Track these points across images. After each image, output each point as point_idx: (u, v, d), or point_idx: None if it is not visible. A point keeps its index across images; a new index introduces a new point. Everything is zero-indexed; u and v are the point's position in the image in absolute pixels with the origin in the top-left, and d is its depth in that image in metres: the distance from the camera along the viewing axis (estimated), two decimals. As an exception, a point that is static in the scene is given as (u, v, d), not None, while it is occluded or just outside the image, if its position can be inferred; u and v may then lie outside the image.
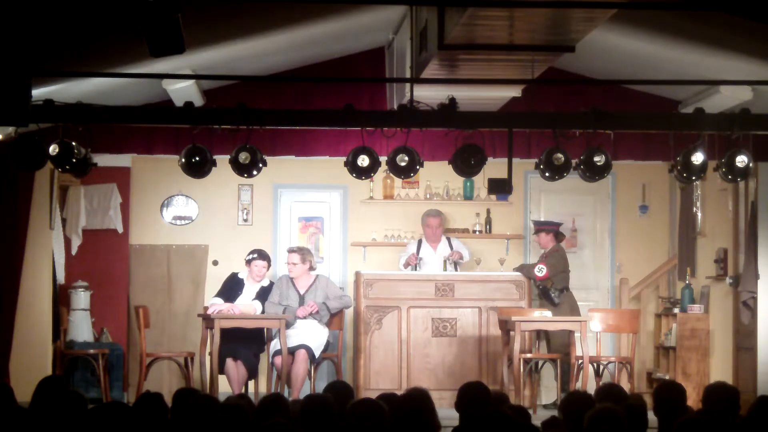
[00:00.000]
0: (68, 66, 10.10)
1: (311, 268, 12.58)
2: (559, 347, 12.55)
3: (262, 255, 12.56)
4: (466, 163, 10.39)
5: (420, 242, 13.61)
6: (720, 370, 13.40)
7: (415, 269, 13.28)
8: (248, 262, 12.57)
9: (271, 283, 12.62)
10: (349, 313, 13.31)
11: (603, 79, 12.61)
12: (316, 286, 12.56)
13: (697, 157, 10.35)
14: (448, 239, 13.63)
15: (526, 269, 12.89)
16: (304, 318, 12.39)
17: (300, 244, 13.51)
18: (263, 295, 12.48)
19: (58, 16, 8.37)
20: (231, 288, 12.55)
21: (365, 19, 11.31)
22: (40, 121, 9.98)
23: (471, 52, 9.86)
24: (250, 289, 12.53)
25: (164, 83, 11.34)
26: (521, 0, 8.54)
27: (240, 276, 12.62)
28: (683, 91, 12.41)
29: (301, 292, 12.52)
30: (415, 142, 10.56)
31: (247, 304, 12.41)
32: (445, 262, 13.36)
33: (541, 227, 13.24)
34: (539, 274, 12.71)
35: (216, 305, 12.31)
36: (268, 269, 12.60)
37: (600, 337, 12.94)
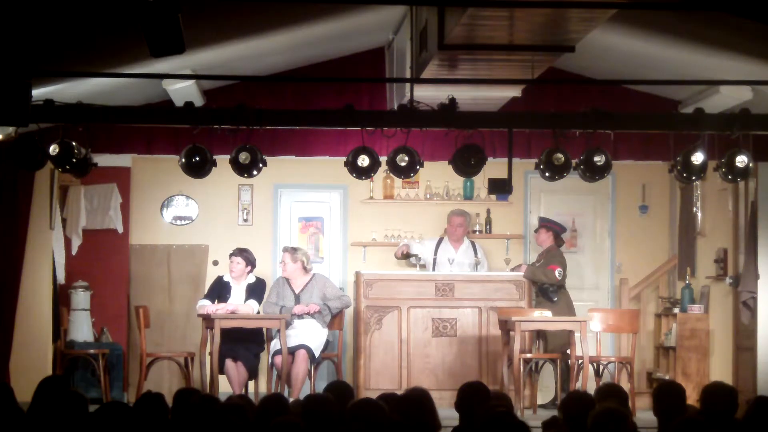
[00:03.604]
0: (68, 66, 10.11)
1: (305, 268, 12.55)
2: (557, 347, 12.56)
3: (240, 252, 12.51)
4: (466, 163, 10.39)
5: (440, 241, 13.61)
6: (720, 370, 13.40)
7: (407, 257, 13.37)
8: (229, 258, 12.59)
9: (258, 280, 12.57)
10: (349, 313, 13.32)
11: (603, 79, 12.61)
12: (312, 286, 12.54)
13: (697, 157, 10.35)
14: (473, 243, 13.62)
15: (540, 272, 12.83)
16: (301, 317, 12.37)
17: (295, 245, 13.47)
18: (252, 293, 12.45)
19: (58, 16, 8.37)
20: (218, 291, 12.53)
21: (365, 19, 11.31)
22: (40, 121, 9.98)
23: (471, 52, 9.86)
24: (238, 290, 12.50)
25: (164, 83, 11.34)
26: (521, 0, 8.54)
27: (225, 279, 12.59)
28: (683, 91, 12.41)
29: (297, 292, 12.52)
30: (415, 142, 10.56)
31: (245, 304, 12.40)
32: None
33: (546, 224, 13.23)
34: (560, 278, 12.77)
35: (206, 306, 12.29)
36: (246, 267, 12.51)
37: (600, 337, 12.94)
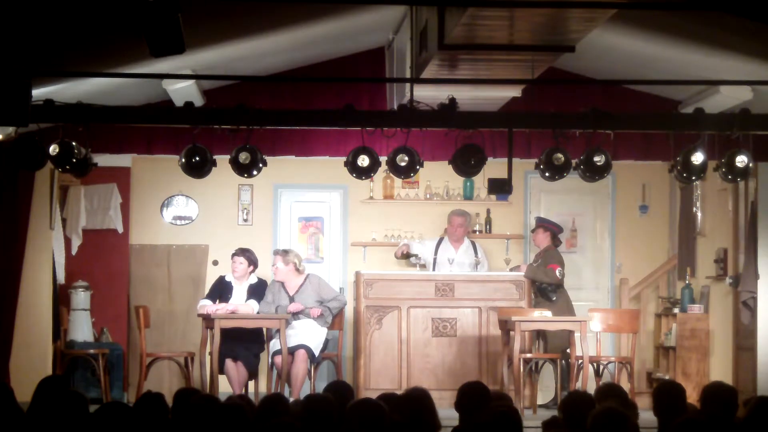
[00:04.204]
0: (68, 66, 10.11)
1: (297, 269, 12.51)
2: (556, 347, 12.55)
3: (242, 252, 12.51)
4: (466, 163, 10.39)
5: (440, 240, 13.60)
6: (720, 370, 13.40)
7: (407, 257, 13.37)
8: (231, 258, 12.58)
9: (260, 281, 12.56)
10: (349, 313, 13.31)
11: (603, 79, 12.61)
12: (307, 287, 12.50)
13: (697, 157, 10.35)
14: (473, 243, 13.61)
15: (541, 271, 12.83)
16: (298, 317, 12.35)
17: (286, 246, 13.35)
18: (254, 293, 12.45)
19: (58, 16, 8.37)
20: (219, 291, 12.52)
21: (365, 19, 11.31)
22: (40, 121, 9.98)
23: (471, 52, 9.86)
24: (240, 290, 12.49)
25: (164, 83, 11.34)
26: (521, 0, 8.54)
27: (227, 279, 12.58)
28: (683, 91, 12.41)
29: (291, 294, 12.49)
30: (415, 142, 10.55)
31: (244, 304, 12.39)
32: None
33: (543, 224, 13.23)
34: (560, 277, 12.77)
35: (207, 306, 12.28)
36: (249, 267, 12.51)
37: (600, 337, 12.94)
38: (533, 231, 13.38)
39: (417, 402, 6.78)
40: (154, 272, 13.90)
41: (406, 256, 13.65)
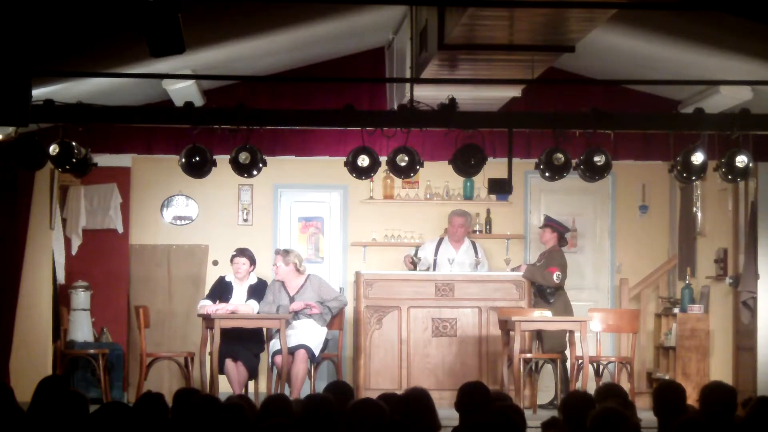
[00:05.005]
0: (68, 66, 10.11)
1: (298, 270, 12.51)
2: (553, 347, 12.53)
3: (242, 252, 12.51)
4: (466, 163, 10.39)
5: (440, 241, 13.58)
6: (720, 370, 13.40)
7: (415, 268, 13.29)
8: (231, 260, 12.57)
9: (260, 281, 12.56)
10: (349, 313, 13.31)
11: (603, 79, 12.61)
12: (307, 287, 12.50)
13: (697, 157, 10.35)
14: (474, 243, 13.59)
15: (539, 273, 12.80)
16: (298, 317, 12.35)
17: (287, 246, 13.35)
18: (254, 293, 12.45)
19: (58, 16, 8.37)
20: (219, 291, 12.52)
21: (365, 19, 11.31)
22: (40, 121, 9.98)
23: (471, 52, 9.86)
24: (240, 290, 12.49)
25: (164, 83, 11.34)
26: (521, 0, 8.54)
27: (227, 279, 12.58)
28: (683, 91, 12.41)
29: (291, 294, 12.48)
30: (415, 142, 10.56)
31: (244, 304, 12.39)
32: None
33: (551, 223, 13.19)
34: (557, 281, 12.73)
35: (207, 306, 12.28)
36: (250, 266, 12.52)
37: (600, 337, 12.94)
38: (541, 228, 13.34)
39: (417, 402, 6.78)
40: (154, 272, 13.90)
41: (413, 263, 13.56)
